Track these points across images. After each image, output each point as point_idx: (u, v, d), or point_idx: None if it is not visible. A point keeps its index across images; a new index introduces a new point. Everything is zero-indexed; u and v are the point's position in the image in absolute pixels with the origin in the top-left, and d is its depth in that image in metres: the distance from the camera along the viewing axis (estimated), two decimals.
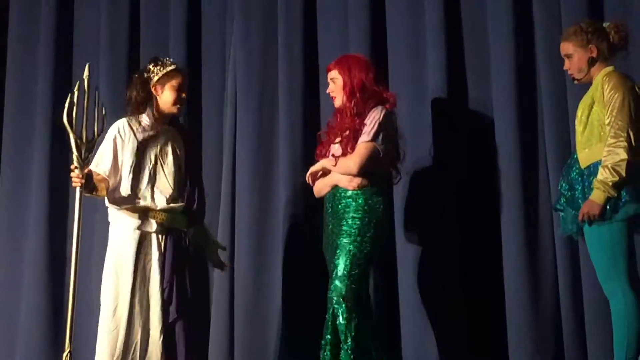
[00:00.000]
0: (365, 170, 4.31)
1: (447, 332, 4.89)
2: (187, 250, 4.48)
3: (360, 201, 4.31)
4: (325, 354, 4.20)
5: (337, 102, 4.46)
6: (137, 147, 4.43)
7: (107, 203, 4.45)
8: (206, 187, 5.16)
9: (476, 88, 5.12)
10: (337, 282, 4.21)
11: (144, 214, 4.39)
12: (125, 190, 4.38)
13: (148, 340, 4.33)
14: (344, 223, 4.29)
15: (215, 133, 5.54)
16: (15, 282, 5.68)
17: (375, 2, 5.31)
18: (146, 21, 5.77)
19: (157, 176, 4.45)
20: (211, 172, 5.45)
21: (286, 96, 5.35)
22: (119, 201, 4.40)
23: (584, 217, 3.88)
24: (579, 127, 4.02)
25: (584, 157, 3.97)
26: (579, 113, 4.05)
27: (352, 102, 4.39)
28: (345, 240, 4.26)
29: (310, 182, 4.50)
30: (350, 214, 4.30)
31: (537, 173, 4.92)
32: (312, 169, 4.49)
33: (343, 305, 4.18)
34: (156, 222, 4.39)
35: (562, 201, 4.09)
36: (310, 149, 5.10)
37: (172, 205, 4.42)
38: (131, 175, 4.39)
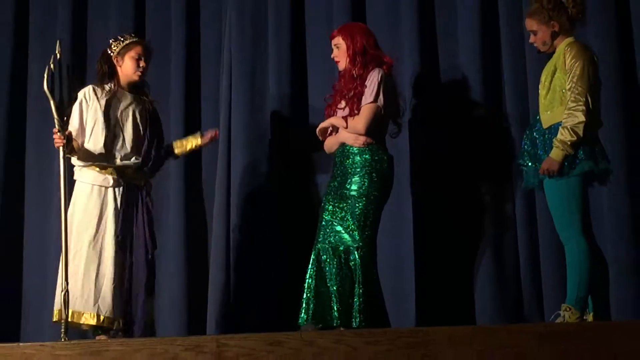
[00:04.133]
0: (370, 129, 4.43)
1: (421, 285, 5.02)
2: (143, 202, 4.62)
3: (367, 156, 4.41)
4: (336, 307, 4.25)
5: (341, 66, 4.55)
6: (100, 110, 4.59)
7: (73, 161, 4.61)
8: (204, 154, 5.40)
9: (446, 61, 5.26)
10: (350, 233, 4.31)
11: (102, 169, 4.57)
12: (88, 148, 4.55)
13: (102, 284, 4.47)
14: (353, 178, 4.39)
15: (211, 104, 5.62)
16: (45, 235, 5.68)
17: None
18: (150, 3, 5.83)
19: (116, 136, 4.60)
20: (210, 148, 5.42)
21: (276, 65, 5.44)
22: (82, 158, 4.57)
23: (544, 172, 3.96)
24: (542, 92, 4.10)
25: (546, 118, 4.05)
26: (542, 79, 4.14)
27: (355, 65, 4.49)
28: (354, 194, 4.37)
29: (320, 136, 4.59)
30: (358, 169, 4.40)
31: (499, 134, 5.07)
32: (322, 125, 4.58)
33: (357, 254, 4.30)
34: (112, 177, 4.57)
35: (525, 157, 4.14)
36: (297, 110, 5.32)
37: (126, 162, 4.59)
38: (93, 135, 4.55)
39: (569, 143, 3.92)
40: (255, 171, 5.42)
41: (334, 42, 4.57)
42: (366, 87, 4.44)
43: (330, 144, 4.57)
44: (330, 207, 4.43)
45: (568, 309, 3.86)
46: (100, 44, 5.53)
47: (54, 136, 4.42)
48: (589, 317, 3.94)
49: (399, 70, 5.00)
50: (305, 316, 4.31)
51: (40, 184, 5.76)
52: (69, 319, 4.24)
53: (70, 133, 4.46)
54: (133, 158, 4.62)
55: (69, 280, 4.22)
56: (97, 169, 4.57)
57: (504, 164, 4.98)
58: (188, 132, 5.30)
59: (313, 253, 4.41)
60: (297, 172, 5.32)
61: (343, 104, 4.53)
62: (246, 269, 5.30)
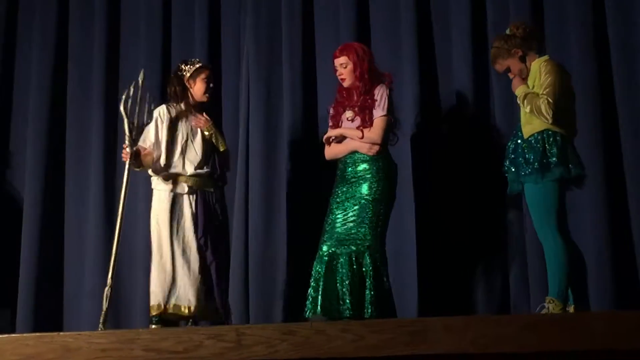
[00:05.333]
0: (385, 139, 4.51)
1: (422, 278, 5.10)
2: (213, 207, 4.76)
3: (380, 164, 4.46)
4: (349, 300, 4.29)
5: (347, 83, 4.58)
6: (173, 127, 4.74)
7: (150, 172, 4.78)
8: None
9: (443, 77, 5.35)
10: (361, 233, 4.35)
11: (176, 179, 4.71)
12: (163, 160, 4.71)
13: (190, 278, 4.60)
14: (364, 183, 4.43)
15: (232, 112, 5.68)
16: (82, 236, 5.79)
17: (361, 6, 5.50)
18: (176, 27, 5.91)
19: (188, 149, 4.73)
20: (230, 150, 5.29)
21: (289, 81, 5.52)
22: (159, 170, 4.73)
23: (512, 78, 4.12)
24: (523, 108, 4.10)
25: (527, 130, 4.08)
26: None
27: (362, 82, 4.54)
28: (368, 198, 4.40)
29: (326, 142, 4.59)
30: (368, 175, 4.44)
31: (490, 144, 5.14)
32: (333, 132, 4.56)
33: (368, 255, 4.35)
34: (187, 185, 4.70)
35: (507, 163, 4.17)
36: (308, 121, 5.41)
37: (198, 171, 4.73)
38: (168, 149, 4.71)
39: (524, 96, 4.01)
40: (271, 181, 5.49)
41: (339, 61, 4.59)
42: (376, 100, 4.50)
43: (337, 151, 4.57)
44: (340, 208, 4.45)
45: (552, 301, 3.92)
46: (131, 63, 5.77)
47: (123, 152, 4.69)
48: (571, 309, 3.99)
49: (400, 86, 5.11)
50: (312, 309, 4.36)
51: (79, 187, 5.81)
52: (161, 312, 4.53)
53: (139, 149, 4.66)
54: (204, 167, 4.74)
55: (156, 279, 4.55)
56: (172, 178, 4.70)
57: (494, 170, 4.88)
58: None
59: (320, 251, 4.43)
60: (308, 176, 5.38)
61: (350, 115, 4.57)
62: (262, 267, 5.36)
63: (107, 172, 5.73)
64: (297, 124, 5.51)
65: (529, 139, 4.07)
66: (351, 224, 4.41)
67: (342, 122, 4.60)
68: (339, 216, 4.45)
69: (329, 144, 4.60)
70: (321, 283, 4.38)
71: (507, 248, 5.02)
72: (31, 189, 5.81)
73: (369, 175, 4.45)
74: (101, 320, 4.40)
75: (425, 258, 5.11)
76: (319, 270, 4.40)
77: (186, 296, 4.57)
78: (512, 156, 4.14)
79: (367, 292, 4.30)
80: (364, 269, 4.33)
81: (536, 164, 4.00)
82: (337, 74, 4.63)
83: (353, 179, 4.48)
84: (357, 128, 4.51)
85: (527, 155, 4.04)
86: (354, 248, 4.36)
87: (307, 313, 4.38)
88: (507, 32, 4.24)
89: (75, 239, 5.73)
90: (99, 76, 5.89)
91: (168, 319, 4.62)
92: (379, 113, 4.49)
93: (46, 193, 5.80)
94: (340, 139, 4.56)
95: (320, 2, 5.61)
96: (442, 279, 5.07)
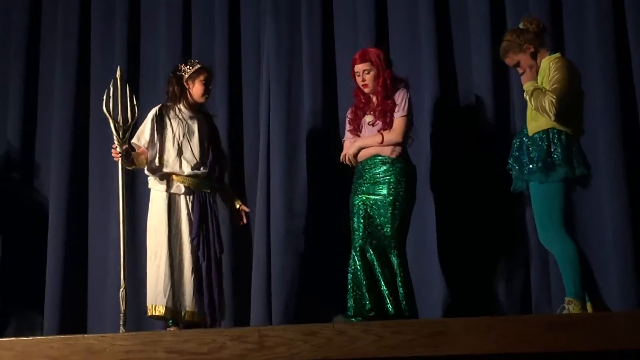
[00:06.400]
0: (406, 139, 4.52)
1: (449, 279, 5.05)
2: (210, 207, 4.70)
3: (400, 165, 4.47)
4: (387, 292, 4.32)
5: (369, 89, 4.57)
6: (170, 126, 4.69)
7: (146, 172, 4.72)
8: (247, 161, 5.47)
9: (462, 80, 5.30)
10: (385, 234, 4.38)
11: (173, 179, 4.66)
12: (159, 160, 4.66)
13: (183, 279, 4.57)
14: (385, 184, 4.44)
15: (252, 116, 5.65)
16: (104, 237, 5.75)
17: (380, 2, 5.46)
18: (196, 25, 5.87)
19: (184, 149, 4.68)
20: (251, 149, 5.57)
21: (309, 82, 5.50)
22: (155, 170, 4.67)
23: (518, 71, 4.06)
24: (530, 104, 4.03)
25: (532, 127, 4.02)
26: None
27: (384, 89, 4.55)
28: (390, 199, 4.41)
29: (350, 162, 4.57)
30: (388, 176, 4.45)
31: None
32: (351, 151, 4.56)
33: (393, 252, 4.38)
34: (183, 185, 4.66)
35: (511, 160, 4.12)
36: (328, 120, 5.39)
37: (195, 171, 4.68)
38: (163, 149, 4.66)
39: (532, 92, 3.94)
40: (292, 180, 5.45)
41: (362, 67, 4.58)
42: (396, 104, 4.51)
43: (361, 154, 4.57)
44: (362, 211, 4.47)
45: (571, 302, 3.87)
46: (152, 66, 5.77)
47: (112, 151, 4.57)
48: (588, 306, 3.94)
49: (419, 88, 5.10)
50: (354, 305, 4.37)
51: (102, 190, 5.79)
52: (152, 313, 4.49)
53: (128, 148, 4.58)
54: (201, 168, 4.70)
55: (150, 279, 4.51)
56: (170, 178, 4.66)
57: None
58: (232, 144, 5.45)
59: (353, 251, 4.45)
60: (329, 176, 5.33)
61: (371, 119, 4.57)
62: (284, 268, 5.33)
63: (129, 178, 5.63)
64: (317, 124, 5.50)
65: (534, 136, 4.01)
66: (376, 225, 4.44)
67: (362, 126, 4.60)
68: (361, 218, 4.48)
69: (354, 159, 4.60)
70: (355, 281, 4.41)
71: (528, 248, 4.98)
72: (56, 197, 5.81)
73: (389, 177, 4.46)
74: (121, 322, 4.39)
75: (447, 259, 5.08)
76: (357, 271, 4.42)
77: (178, 298, 4.54)
78: (517, 154, 4.08)
79: (401, 291, 4.33)
80: (394, 270, 4.37)
81: (540, 163, 3.93)
82: (359, 79, 4.61)
83: (374, 181, 4.49)
84: (378, 132, 4.52)
85: (531, 154, 3.99)
86: (380, 248, 4.39)
87: (349, 311, 4.39)
88: (520, 26, 4.18)
89: (98, 244, 5.73)
90: None
91: (161, 320, 4.63)
92: (399, 114, 4.51)
93: (70, 201, 5.80)
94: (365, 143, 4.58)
95: (340, 3, 5.59)
96: (464, 280, 5.04)
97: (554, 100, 3.89)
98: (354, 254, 4.45)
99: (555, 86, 3.93)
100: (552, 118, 3.92)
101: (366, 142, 4.55)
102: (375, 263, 4.39)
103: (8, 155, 5.98)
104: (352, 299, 4.41)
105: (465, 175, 5.13)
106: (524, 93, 4.07)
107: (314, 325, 3.72)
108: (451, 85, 5.30)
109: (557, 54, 4.11)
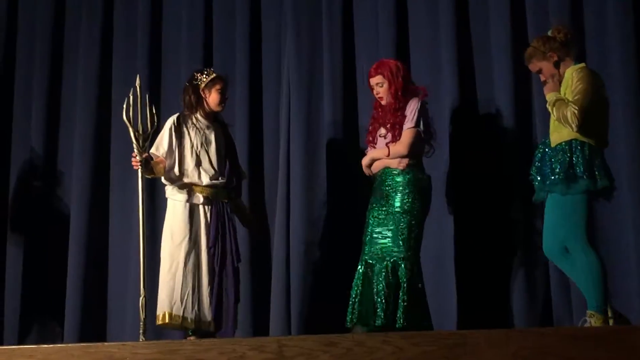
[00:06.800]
0: (412, 151, 4.51)
1: (463, 291, 5.03)
2: (228, 217, 4.69)
3: (410, 176, 4.48)
4: (382, 309, 4.33)
5: (385, 101, 4.60)
6: (187, 136, 4.67)
7: (164, 181, 4.72)
8: (267, 172, 5.46)
9: (482, 90, 5.28)
10: (396, 245, 4.39)
11: (192, 189, 4.65)
12: (177, 170, 4.64)
13: (200, 288, 4.56)
14: (397, 196, 4.46)
15: (272, 126, 5.65)
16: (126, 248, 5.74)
17: (401, 14, 5.45)
18: (217, 37, 5.88)
19: (202, 159, 4.66)
20: (271, 159, 5.58)
21: (329, 92, 5.50)
22: (173, 179, 4.66)
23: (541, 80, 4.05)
24: (552, 114, 4.01)
25: (554, 138, 4.00)
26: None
27: (397, 99, 4.56)
28: (399, 210, 4.43)
29: (365, 170, 4.65)
30: (400, 187, 4.47)
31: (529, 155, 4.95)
32: (364, 162, 4.64)
33: (403, 264, 4.38)
34: (202, 195, 4.65)
35: (533, 171, 4.09)
36: (348, 134, 5.35)
37: (213, 181, 4.67)
38: (181, 158, 4.64)
39: (554, 102, 3.91)
40: (312, 190, 5.44)
41: (375, 80, 4.61)
42: (406, 115, 4.52)
43: (375, 166, 4.62)
44: (376, 222, 4.50)
45: (592, 315, 3.84)
46: (174, 77, 5.78)
47: (132, 160, 4.57)
48: (610, 321, 3.90)
49: (439, 98, 5.11)
50: (351, 317, 4.43)
51: (123, 199, 5.81)
52: (169, 321, 4.48)
53: (148, 156, 4.58)
54: (219, 178, 4.69)
55: (164, 287, 4.50)
56: (189, 188, 4.65)
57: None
58: (252, 155, 5.46)
59: (360, 263, 4.49)
60: (348, 184, 5.34)
61: (383, 131, 4.60)
62: (303, 278, 5.32)
63: (149, 188, 5.60)
64: (337, 134, 5.50)
65: (556, 147, 3.98)
66: (386, 237, 4.45)
67: (376, 139, 4.64)
68: (375, 229, 4.50)
69: (368, 171, 4.68)
70: (359, 293, 4.46)
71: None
72: (77, 205, 5.84)
73: (400, 188, 4.49)
74: (141, 331, 4.38)
75: (465, 269, 5.07)
76: (358, 282, 4.49)
77: (195, 307, 4.53)
78: (539, 164, 4.06)
79: (400, 302, 4.33)
80: (399, 280, 4.37)
81: (562, 174, 3.90)
82: (374, 92, 4.65)
83: (386, 193, 4.52)
84: (387, 144, 4.55)
85: (553, 165, 3.96)
86: (389, 260, 4.40)
87: (348, 323, 4.45)
88: (549, 33, 4.16)
89: (119, 252, 5.75)
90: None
91: (172, 328, 4.62)
92: (407, 125, 4.52)
93: (91, 209, 5.83)
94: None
95: (361, 14, 5.59)
96: (483, 291, 5.02)
97: (576, 111, 3.87)
98: (359, 266, 4.50)
99: (577, 97, 3.90)
100: (575, 129, 3.89)
101: (375, 154, 4.61)
102: (376, 276, 4.41)
103: (32, 162, 6.03)
104: (349, 309, 4.46)
105: (486, 185, 5.12)
106: (547, 103, 4.04)
107: (334, 336, 3.69)
108: (472, 96, 5.29)
109: (582, 64, 4.08)
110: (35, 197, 5.98)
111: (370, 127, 4.72)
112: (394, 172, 4.51)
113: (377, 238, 4.48)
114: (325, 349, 3.51)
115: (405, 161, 4.50)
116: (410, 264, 4.40)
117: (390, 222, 4.45)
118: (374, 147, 4.65)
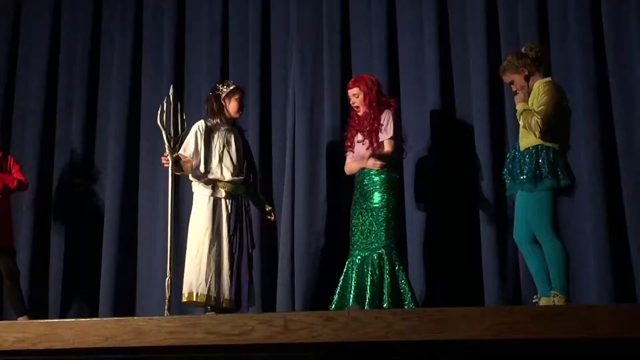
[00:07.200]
0: (392, 157, 4.59)
1: (445, 275, 5.00)
2: (245, 209, 4.70)
3: (384, 176, 4.53)
4: (372, 288, 4.35)
5: (362, 111, 4.65)
6: (211, 138, 4.68)
7: (190, 178, 4.70)
8: (274, 170, 5.45)
9: (460, 99, 5.25)
10: (377, 236, 4.41)
11: (215, 185, 4.64)
12: (203, 168, 4.64)
13: (221, 271, 4.56)
14: (374, 193, 4.49)
15: (280, 131, 5.62)
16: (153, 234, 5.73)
17: (391, 31, 5.44)
18: (232, 52, 5.86)
19: (224, 158, 4.66)
20: (278, 159, 5.53)
21: (329, 102, 5.47)
22: (199, 176, 4.65)
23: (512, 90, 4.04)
24: (520, 123, 4.00)
25: (523, 143, 3.99)
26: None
27: (371, 109, 4.60)
28: (377, 205, 4.47)
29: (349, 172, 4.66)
30: (378, 186, 4.51)
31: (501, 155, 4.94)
32: (354, 170, 4.64)
33: (384, 253, 4.41)
34: (224, 190, 4.64)
35: (505, 171, 4.10)
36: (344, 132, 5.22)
37: (234, 178, 4.66)
38: (206, 158, 4.64)
39: (522, 112, 3.92)
40: (314, 186, 5.39)
41: (352, 92, 4.65)
42: (382, 125, 4.56)
43: (352, 167, 4.69)
44: (358, 217, 4.53)
45: (556, 295, 3.84)
46: (196, 87, 5.76)
47: (162, 159, 4.58)
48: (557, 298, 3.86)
49: (423, 114, 5.14)
50: (336, 302, 4.44)
51: (150, 194, 5.78)
52: (195, 299, 4.47)
53: (177, 156, 4.57)
54: (239, 175, 4.69)
55: (190, 270, 4.49)
56: (213, 184, 4.63)
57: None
58: (262, 155, 5.43)
59: (349, 255, 4.51)
60: (345, 183, 5.20)
61: (360, 137, 4.62)
62: (306, 263, 5.30)
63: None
64: (335, 138, 5.42)
65: (525, 151, 3.97)
66: (368, 230, 4.47)
67: (354, 144, 4.66)
68: (358, 224, 4.53)
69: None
70: (343, 281, 4.49)
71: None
72: (111, 199, 5.83)
73: (377, 186, 4.52)
74: (166, 307, 4.37)
75: (446, 257, 5.03)
76: (345, 270, 4.52)
77: (216, 287, 4.51)
78: (510, 166, 4.06)
79: (385, 286, 4.34)
80: (382, 267, 4.38)
81: (530, 174, 3.90)
82: (351, 102, 4.67)
83: (365, 191, 4.56)
84: (367, 149, 4.57)
85: (522, 167, 3.95)
86: (372, 249, 4.42)
87: (332, 307, 4.46)
88: (522, 50, 4.14)
89: (146, 240, 5.73)
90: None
91: (198, 306, 4.60)
92: (385, 136, 4.55)
93: (123, 202, 5.82)
94: (357, 159, 4.64)
95: (356, 31, 5.55)
96: (461, 274, 4.99)
97: (539, 120, 3.87)
98: (349, 257, 4.53)
99: (541, 108, 3.89)
100: (538, 135, 3.89)
101: (364, 164, 4.61)
102: (361, 265, 4.42)
103: (72, 163, 6.03)
104: (336, 295, 4.49)
105: (465, 186, 5.10)
106: (516, 113, 4.05)
107: (333, 312, 3.83)
108: (451, 108, 5.26)
109: (548, 79, 4.08)
110: (75, 193, 5.99)
111: (347, 134, 4.73)
112: (372, 172, 4.54)
113: (361, 231, 4.50)
114: (325, 323, 3.51)
115: (380, 162, 4.52)
116: (391, 252, 4.41)
117: (370, 216, 4.47)
118: (352, 152, 4.67)
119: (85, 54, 6.13)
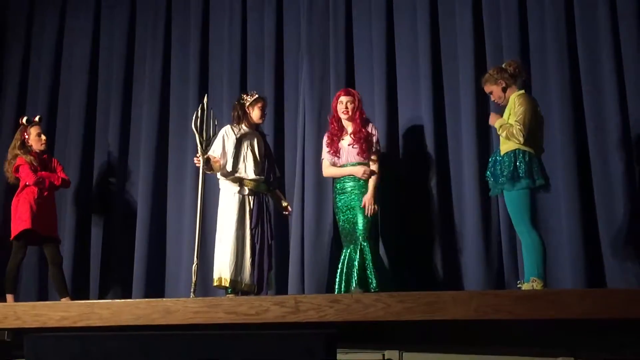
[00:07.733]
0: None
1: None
2: (266, 205, 4.73)
3: (364, 181, 4.54)
4: (355, 272, 4.40)
5: (349, 117, 4.64)
6: (236, 141, 4.70)
7: (218, 176, 4.73)
8: (287, 168, 5.42)
9: (450, 107, 5.19)
10: (360, 231, 4.45)
11: (240, 182, 4.66)
12: (229, 167, 4.67)
13: (244, 259, 4.58)
14: (357, 195, 4.53)
15: (292, 135, 5.57)
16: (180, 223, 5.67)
17: (389, 54, 5.39)
18: (250, 66, 5.77)
19: (248, 158, 4.69)
20: (290, 161, 5.48)
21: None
22: (227, 174, 4.69)
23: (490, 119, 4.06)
24: (501, 135, 4.05)
25: (503, 149, 4.04)
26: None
27: (360, 119, 4.63)
28: (358, 204, 4.51)
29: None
30: (360, 188, 4.55)
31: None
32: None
33: (366, 242, 4.46)
34: (248, 188, 4.66)
35: (488, 173, 4.13)
36: None
37: (257, 177, 4.69)
38: (233, 158, 4.66)
39: (500, 127, 3.96)
40: (321, 185, 5.32)
41: (347, 99, 4.64)
42: (373, 135, 4.58)
43: (335, 172, 4.67)
44: (344, 215, 4.56)
45: (534, 280, 3.84)
46: (217, 95, 5.70)
47: (195, 159, 4.62)
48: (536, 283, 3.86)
49: (417, 130, 5.11)
50: (339, 287, 4.46)
51: (177, 190, 5.73)
52: (223, 284, 4.49)
53: (209, 157, 4.61)
54: (261, 174, 4.71)
55: (219, 257, 4.52)
56: (239, 182, 4.65)
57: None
58: (276, 155, 5.30)
59: (344, 248, 4.55)
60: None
61: (349, 140, 4.60)
62: (315, 251, 5.27)
63: (197, 179, 5.59)
64: None
65: (504, 155, 4.01)
66: (352, 226, 4.50)
67: (341, 149, 4.63)
68: (346, 219, 4.55)
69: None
70: (341, 268, 4.52)
71: (501, 239, 4.89)
72: (143, 195, 5.78)
73: (358, 189, 4.54)
74: (192, 290, 4.38)
75: (437, 246, 5.02)
76: (341, 259, 4.55)
77: (240, 273, 4.52)
78: (492, 168, 4.09)
79: (369, 272, 4.37)
80: (365, 256, 4.41)
81: (509, 175, 3.93)
82: (342, 108, 4.65)
83: (348, 191, 4.57)
84: (357, 154, 4.57)
85: (502, 169, 3.99)
86: (357, 242, 4.45)
87: (337, 291, 4.46)
88: (503, 65, 4.19)
89: (174, 230, 5.70)
90: (193, 108, 5.63)
91: (224, 289, 4.59)
92: (374, 149, 4.57)
93: (153, 197, 5.77)
94: (337, 164, 4.64)
95: (360, 53, 5.51)
96: (455, 264, 5.00)
97: (520, 128, 3.91)
98: (343, 250, 4.55)
99: (520, 117, 3.94)
100: (521, 142, 3.93)
101: (351, 171, 4.61)
102: (351, 254, 4.45)
103: (109, 163, 6.03)
104: (337, 280, 4.50)
105: (457, 184, 5.09)
106: (497, 129, 4.09)
107: (337, 295, 3.81)
108: (443, 119, 5.23)
109: (522, 91, 4.11)
110: (111, 190, 5.98)
111: (329, 141, 4.68)
112: (355, 177, 4.56)
113: (346, 228, 4.53)
114: (330, 304, 3.54)
115: (368, 171, 4.55)
116: (371, 244, 4.43)
117: (353, 215, 4.50)
118: (338, 157, 4.64)
119: (121, 68, 6.10)
